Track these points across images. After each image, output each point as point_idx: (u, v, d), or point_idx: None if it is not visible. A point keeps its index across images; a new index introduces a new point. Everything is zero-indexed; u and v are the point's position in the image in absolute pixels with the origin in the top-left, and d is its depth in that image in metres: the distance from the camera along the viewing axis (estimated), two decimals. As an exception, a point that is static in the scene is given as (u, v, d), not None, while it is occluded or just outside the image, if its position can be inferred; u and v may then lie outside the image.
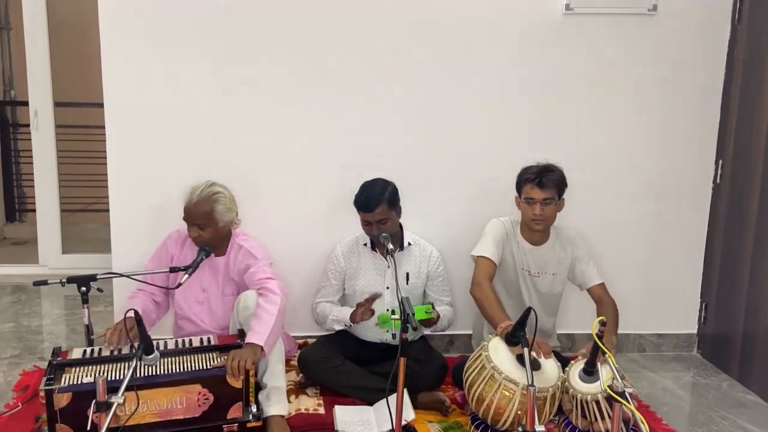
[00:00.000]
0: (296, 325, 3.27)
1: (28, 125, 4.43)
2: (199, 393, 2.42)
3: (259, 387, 2.57)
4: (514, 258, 2.97)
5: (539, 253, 2.96)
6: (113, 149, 3.15)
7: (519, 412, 2.40)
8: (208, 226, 2.73)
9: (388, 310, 2.93)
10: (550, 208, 2.82)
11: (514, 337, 2.42)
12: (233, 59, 3.13)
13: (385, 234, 2.81)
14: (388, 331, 2.77)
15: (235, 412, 2.47)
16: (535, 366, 2.49)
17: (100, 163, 3.31)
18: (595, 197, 3.36)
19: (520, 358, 2.46)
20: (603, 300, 2.93)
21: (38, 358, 3.27)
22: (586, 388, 2.43)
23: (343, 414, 2.67)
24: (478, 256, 2.91)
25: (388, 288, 2.97)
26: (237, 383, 2.44)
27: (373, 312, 2.83)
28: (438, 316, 2.82)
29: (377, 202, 2.83)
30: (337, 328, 2.96)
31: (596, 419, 2.41)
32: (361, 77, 3.19)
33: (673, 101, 3.35)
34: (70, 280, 2.56)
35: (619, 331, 2.97)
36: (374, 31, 3.16)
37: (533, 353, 2.51)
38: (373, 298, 2.82)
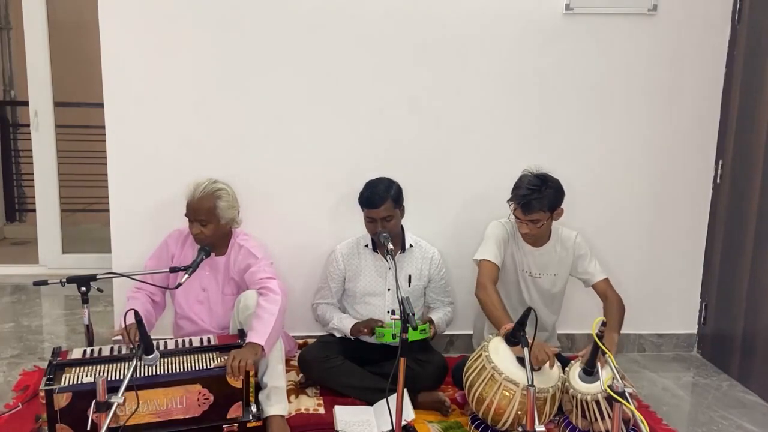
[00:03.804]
0: (296, 325, 3.27)
1: (28, 125, 4.43)
2: (199, 393, 2.42)
3: (259, 387, 2.57)
4: (515, 259, 2.96)
5: (539, 254, 2.95)
6: (113, 149, 3.15)
7: (519, 413, 2.40)
8: (210, 222, 2.73)
9: (389, 311, 2.94)
10: (537, 226, 2.78)
11: (514, 337, 2.41)
12: (234, 59, 3.13)
13: (385, 234, 2.81)
14: (395, 338, 2.77)
15: (235, 411, 2.47)
16: (536, 367, 2.49)
17: (100, 163, 3.31)
18: (595, 197, 3.36)
19: (520, 359, 2.46)
20: (608, 295, 2.90)
21: (38, 358, 3.27)
22: (586, 388, 2.43)
23: (343, 414, 2.67)
24: (480, 260, 2.89)
25: (389, 290, 2.97)
26: (237, 383, 2.44)
27: (373, 332, 2.86)
28: (434, 333, 2.90)
29: (383, 199, 2.83)
30: (337, 335, 2.98)
31: (596, 419, 2.41)
32: (361, 78, 3.19)
33: (673, 101, 3.35)
34: (70, 280, 2.55)
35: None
36: (375, 31, 3.16)
37: (541, 363, 2.51)
38: (373, 325, 2.85)
